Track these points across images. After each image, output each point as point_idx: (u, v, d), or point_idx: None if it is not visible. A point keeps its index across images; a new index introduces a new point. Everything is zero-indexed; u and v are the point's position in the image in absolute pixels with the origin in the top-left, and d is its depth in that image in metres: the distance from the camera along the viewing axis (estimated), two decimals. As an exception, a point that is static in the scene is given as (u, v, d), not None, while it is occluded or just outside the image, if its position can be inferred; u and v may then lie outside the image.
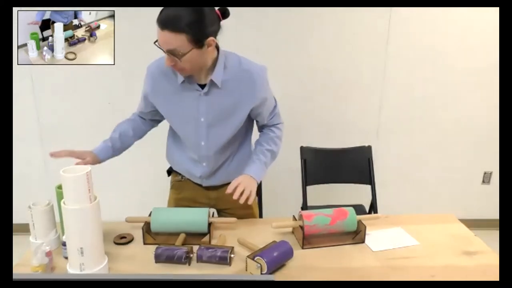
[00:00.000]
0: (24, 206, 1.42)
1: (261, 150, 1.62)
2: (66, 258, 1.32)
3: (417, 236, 1.54)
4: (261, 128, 1.70)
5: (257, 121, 1.67)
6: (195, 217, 1.51)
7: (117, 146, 1.65)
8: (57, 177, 1.22)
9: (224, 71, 1.46)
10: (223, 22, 1.40)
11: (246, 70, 1.48)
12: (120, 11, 2.47)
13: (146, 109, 1.65)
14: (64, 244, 1.36)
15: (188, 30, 1.29)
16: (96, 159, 1.59)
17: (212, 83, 1.46)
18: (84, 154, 1.56)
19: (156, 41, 1.34)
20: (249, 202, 1.50)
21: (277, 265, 1.33)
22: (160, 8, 1.33)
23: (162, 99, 1.55)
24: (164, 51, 1.35)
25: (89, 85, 2.70)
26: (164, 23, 1.29)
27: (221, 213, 1.80)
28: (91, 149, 1.60)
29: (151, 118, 1.70)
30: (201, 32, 1.32)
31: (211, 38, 1.35)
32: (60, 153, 1.50)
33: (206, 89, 1.47)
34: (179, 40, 1.30)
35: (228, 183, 1.58)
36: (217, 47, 1.45)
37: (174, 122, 1.59)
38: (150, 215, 1.54)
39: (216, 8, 1.38)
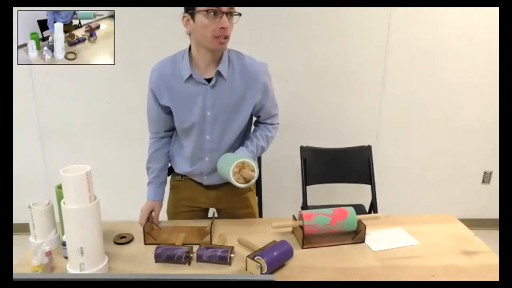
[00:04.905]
0: (24, 206, 1.42)
1: (256, 143, 1.63)
2: (66, 258, 1.32)
3: (417, 236, 1.54)
4: (259, 123, 1.70)
5: (258, 117, 1.67)
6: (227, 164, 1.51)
7: (163, 179, 1.71)
8: (57, 177, 1.22)
9: (229, 64, 1.50)
10: None
11: (250, 65, 1.53)
12: (120, 11, 2.47)
13: (154, 113, 1.61)
14: (64, 244, 1.36)
15: None
16: (159, 203, 1.67)
17: (219, 75, 1.48)
18: (153, 211, 1.64)
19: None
20: None
21: (277, 265, 1.33)
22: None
23: (169, 98, 1.54)
24: (225, 12, 1.39)
25: (89, 85, 2.70)
26: None
27: (221, 212, 1.80)
28: (147, 199, 1.68)
29: (166, 129, 1.67)
30: None
31: None
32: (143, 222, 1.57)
33: (213, 81, 1.49)
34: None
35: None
36: None
37: (180, 117, 1.57)
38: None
39: None
